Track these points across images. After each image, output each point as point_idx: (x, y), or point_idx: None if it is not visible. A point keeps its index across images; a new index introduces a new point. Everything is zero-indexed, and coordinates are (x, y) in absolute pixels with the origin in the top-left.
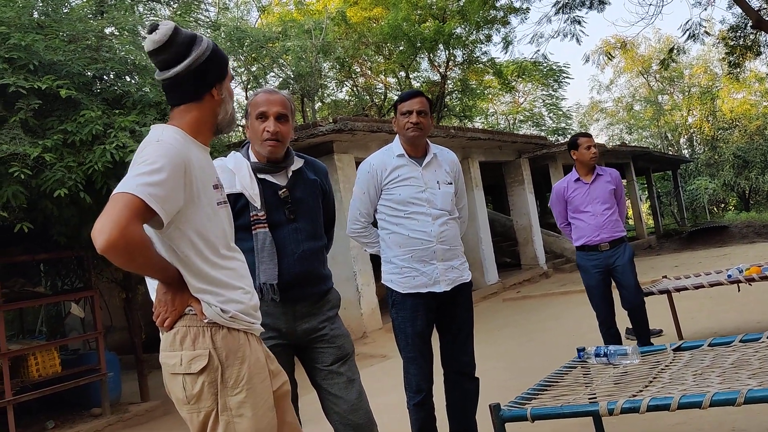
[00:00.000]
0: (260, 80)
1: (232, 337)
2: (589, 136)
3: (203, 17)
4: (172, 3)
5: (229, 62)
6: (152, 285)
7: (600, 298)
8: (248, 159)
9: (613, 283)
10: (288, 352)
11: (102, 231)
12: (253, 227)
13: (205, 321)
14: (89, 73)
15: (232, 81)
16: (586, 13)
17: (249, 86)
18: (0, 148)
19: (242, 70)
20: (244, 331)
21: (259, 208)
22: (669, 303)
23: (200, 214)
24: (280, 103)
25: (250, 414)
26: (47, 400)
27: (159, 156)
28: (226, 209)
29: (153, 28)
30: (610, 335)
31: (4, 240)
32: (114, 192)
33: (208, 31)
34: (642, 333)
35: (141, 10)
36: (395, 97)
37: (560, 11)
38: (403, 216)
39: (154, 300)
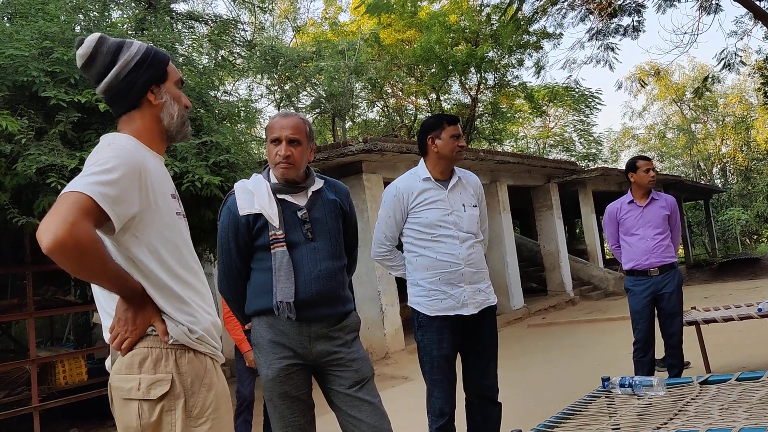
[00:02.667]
0: (293, 99)
1: (198, 361)
2: (648, 159)
3: (240, 36)
4: (210, 22)
5: (170, 63)
6: (103, 308)
7: (643, 323)
8: (269, 180)
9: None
10: (304, 373)
11: (47, 229)
12: (271, 246)
13: (170, 342)
14: None
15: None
16: (620, 39)
17: (282, 104)
18: (39, 159)
19: (276, 88)
20: (210, 356)
21: (277, 227)
22: (697, 335)
23: (159, 222)
24: (293, 128)
25: None
26: (72, 408)
27: (110, 157)
28: (185, 222)
29: (79, 43)
30: (644, 363)
31: (38, 249)
32: (62, 192)
33: (244, 50)
34: (675, 364)
35: (180, 27)
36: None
37: (594, 37)
38: (430, 239)
39: (101, 323)
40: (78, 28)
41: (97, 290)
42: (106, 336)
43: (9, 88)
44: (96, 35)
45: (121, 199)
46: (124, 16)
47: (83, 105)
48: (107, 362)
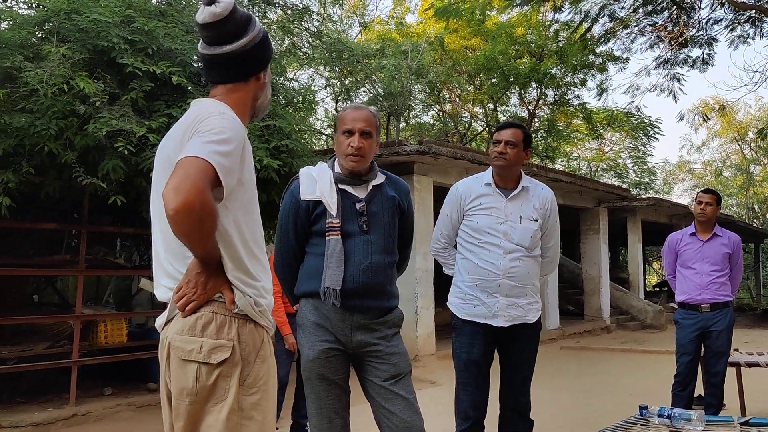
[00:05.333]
0: (351, 93)
1: (257, 333)
2: (709, 193)
3: (309, 26)
4: (283, 9)
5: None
6: (163, 269)
7: (687, 357)
8: (332, 169)
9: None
10: (343, 358)
11: (179, 191)
12: (326, 233)
13: (234, 311)
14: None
15: (323, 90)
16: (688, 71)
17: (340, 97)
18: (110, 123)
19: (336, 81)
20: (266, 330)
21: (334, 215)
22: (737, 377)
23: (245, 196)
24: (366, 120)
25: (260, 418)
26: (108, 368)
27: (226, 128)
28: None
29: (212, 1)
30: (682, 397)
31: (95, 208)
32: (183, 156)
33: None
34: (713, 404)
35: (255, 10)
36: (479, 127)
37: (661, 66)
38: (476, 244)
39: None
40: (155, 1)
41: (161, 251)
42: (166, 296)
43: (89, 51)
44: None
45: (231, 171)
46: None
47: (156, 75)
48: (158, 320)
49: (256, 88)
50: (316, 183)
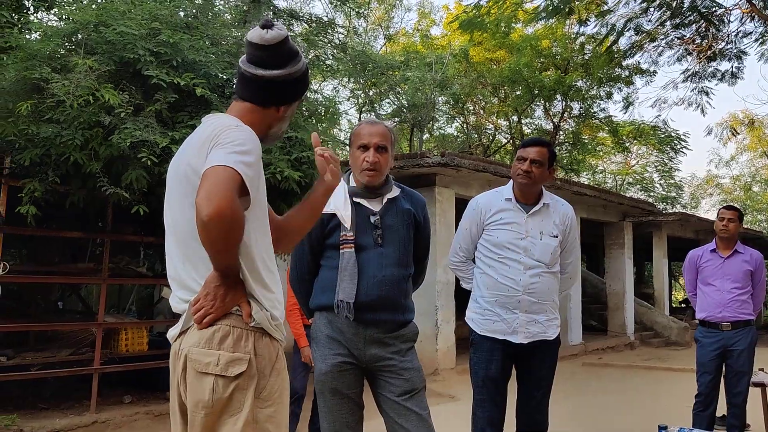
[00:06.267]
0: (375, 105)
1: (272, 346)
2: (731, 209)
3: (334, 39)
4: (308, 23)
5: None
6: (181, 280)
7: (707, 376)
8: (348, 183)
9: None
10: (357, 372)
11: (211, 199)
12: (341, 246)
13: (251, 324)
14: (224, 77)
15: (347, 101)
16: (716, 84)
17: (364, 109)
18: (134, 134)
19: (360, 93)
20: (280, 344)
21: (348, 228)
22: (762, 397)
23: (259, 208)
24: (381, 135)
25: (275, 430)
26: (128, 376)
27: (246, 139)
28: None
29: (267, 26)
30: (703, 417)
31: (118, 218)
32: (211, 165)
33: (336, 51)
34: (735, 425)
35: (280, 24)
36: (503, 140)
37: (689, 79)
38: (496, 259)
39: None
40: (182, 14)
41: (178, 262)
42: (181, 307)
43: (115, 63)
44: (285, 32)
45: (254, 182)
46: (228, 5)
47: (181, 87)
48: (171, 331)
49: (273, 118)
50: (331, 196)
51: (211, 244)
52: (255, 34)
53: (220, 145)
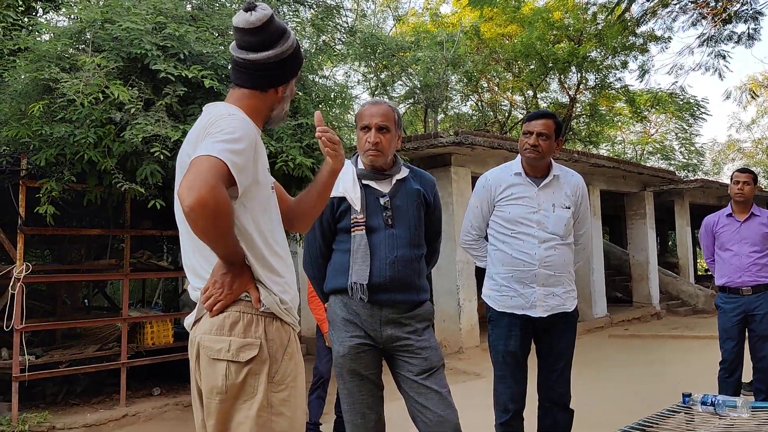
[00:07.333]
0: (387, 87)
1: (283, 330)
2: (745, 172)
3: (342, 23)
4: (314, 7)
5: (301, 65)
6: (194, 270)
7: (731, 342)
8: (356, 166)
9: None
10: (374, 354)
11: (191, 188)
12: (352, 229)
13: (261, 309)
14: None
15: (359, 85)
16: (733, 47)
17: (376, 92)
18: (145, 129)
19: (372, 76)
20: (292, 327)
21: (358, 211)
22: None
23: (261, 194)
24: (382, 115)
25: (289, 414)
26: (155, 368)
27: (236, 127)
28: (275, 197)
29: (250, 8)
30: (729, 383)
31: (137, 213)
32: (195, 155)
33: (345, 36)
34: (762, 389)
35: (285, 10)
36: (519, 116)
37: (704, 44)
38: (510, 235)
39: (193, 288)
40: (189, 6)
41: (190, 252)
42: (194, 295)
43: (123, 59)
44: (269, 10)
45: (245, 169)
46: None
47: (189, 80)
48: (187, 319)
49: (273, 100)
50: (340, 180)
51: (199, 233)
52: (240, 18)
53: (209, 134)
